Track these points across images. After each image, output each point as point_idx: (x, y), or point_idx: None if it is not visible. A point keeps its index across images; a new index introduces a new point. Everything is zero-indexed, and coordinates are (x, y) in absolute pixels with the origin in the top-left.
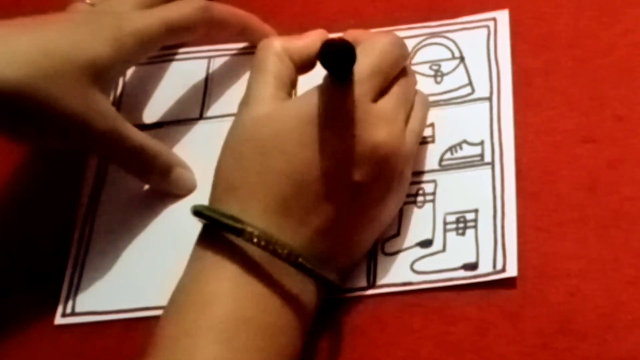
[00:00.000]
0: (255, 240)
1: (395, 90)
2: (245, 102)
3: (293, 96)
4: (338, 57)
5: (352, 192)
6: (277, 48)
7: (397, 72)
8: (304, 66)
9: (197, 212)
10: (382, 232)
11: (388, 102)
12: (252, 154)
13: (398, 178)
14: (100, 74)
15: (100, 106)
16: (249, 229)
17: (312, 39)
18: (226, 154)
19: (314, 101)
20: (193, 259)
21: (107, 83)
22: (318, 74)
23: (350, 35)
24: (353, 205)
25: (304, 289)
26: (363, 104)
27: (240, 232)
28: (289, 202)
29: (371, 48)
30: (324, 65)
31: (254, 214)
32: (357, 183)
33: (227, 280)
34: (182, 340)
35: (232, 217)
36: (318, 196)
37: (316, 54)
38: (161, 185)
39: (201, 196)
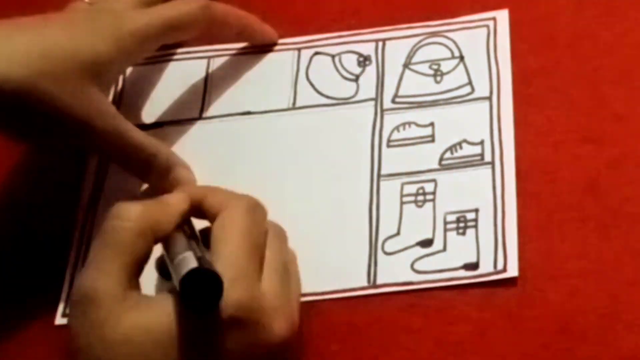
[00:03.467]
0: None
1: (272, 263)
2: (92, 299)
3: None
4: (203, 292)
5: None
6: (138, 220)
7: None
8: (161, 239)
9: None
10: None
11: (273, 283)
12: None
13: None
14: (100, 72)
15: (100, 105)
16: None
17: (176, 209)
18: None
19: (177, 323)
20: None
21: (106, 82)
22: None
23: (195, 195)
24: None
25: None
26: (254, 301)
27: None
28: None
29: (234, 228)
30: (187, 306)
31: None
32: None
33: None
34: None
35: None
36: None
37: (177, 224)
38: (161, 184)
39: None
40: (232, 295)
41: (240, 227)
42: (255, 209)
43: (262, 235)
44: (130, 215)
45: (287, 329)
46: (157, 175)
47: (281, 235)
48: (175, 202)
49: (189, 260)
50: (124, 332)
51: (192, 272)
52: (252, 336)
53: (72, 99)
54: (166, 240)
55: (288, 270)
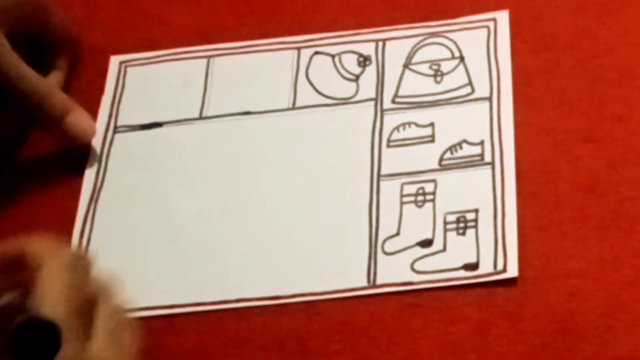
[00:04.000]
0: None
1: (101, 324)
2: None
3: None
4: (39, 342)
5: None
6: None
7: (91, 292)
8: None
9: None
10: None
11: (100, 341)
12: None
13: None
14: None
15: None
16: None
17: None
18: None
19: None
20: None
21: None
22: None
23: (10, 249)
24: None
25: None
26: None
27: None
28: None
29: (53, 287)
30: (18, 355)
31: None
32: None
33: None
34: None
35: None
36: None
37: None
38: (58, 128)
39: (203, 199)
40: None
41: (60, 287)
42: (76, 266)
43: (86, 292)
44: None
45: None
46: (52, 117)
47: (110, 290)
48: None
49: (16, 308)
50: None
51: (26, 321)
52: None
53: None
54: None
55: (120, 327)
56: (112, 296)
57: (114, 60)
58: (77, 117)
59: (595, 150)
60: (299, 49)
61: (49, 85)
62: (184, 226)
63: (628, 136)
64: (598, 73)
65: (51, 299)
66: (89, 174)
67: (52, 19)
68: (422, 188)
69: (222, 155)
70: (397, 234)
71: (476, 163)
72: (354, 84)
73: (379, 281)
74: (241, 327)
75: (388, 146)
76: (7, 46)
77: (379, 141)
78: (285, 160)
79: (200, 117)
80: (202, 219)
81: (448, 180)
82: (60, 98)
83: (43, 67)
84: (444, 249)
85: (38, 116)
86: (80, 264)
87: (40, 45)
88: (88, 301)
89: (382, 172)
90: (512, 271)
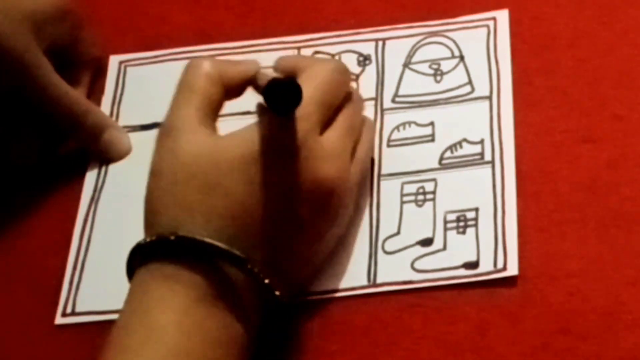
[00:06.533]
0: (256, 270)
1: (341, 120)
2: (171, 127)
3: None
4: (284, 97)
5: (297, 227)
6: (209, 69)
7: (341, 101)
8: (233, 92)
9: (191, 240)
10: (323, 260)
11: (334, 134)
12: (196, 193)
13: (342, 210)
14: (38, 25)
15: (38, 53)
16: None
17: (246, 67)
18: (161, 187)
19: (257, 139)
20: (135, 292)
21: (43, 37)
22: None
23: (287, 62)
24: (297, 239)
25: (245, 320)
26: (309, 140)
27: (243, 262)
28: (233, 240)
29: (313, 79)
30: (269, 104)
31: None
32: (301, 218)
33: (172, 313)
34: None
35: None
36: (263, 234)
37: (246, 82)
38: (93, 145)
39: None
40: None
41: (320, 82)
42: (341, 72)
43: (339, 96)
44: (200, 65)
45: (333, 174)
46: (89, 135)
47: (359, 103)
48: (244, 62)
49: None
50: (193, 151)
51: (275, 80)
52: (301, 170)
53: (14, 37)
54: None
55: (354, 132)
56: (357, 108)
57: (114, 60)
58: (112, 134)
59: (595, 150)
60: (299, 48)
61: (87, 103)
62: None
63: (628, 136)
64: (598, 73)
65: (309, 87)
66: (90, 174)
67: (83, 35)
68: (422, 187)
69: None
70: (398, 233)
71: (476, 162)
72: (353, 84)
73: (379, 280)
74: None
75: (388, 145)
76: (47, 64)
77: (379, 140)
78: None
79: None
80: None
81: (448, 179)
82: (97, 115)
83: (67, 81)
84: (444, 248)
85: (75, 134)
86: (344, 73)
87: (66, 59)
88: (334, 103)
89: (382, 171)
90: (512, 269)
